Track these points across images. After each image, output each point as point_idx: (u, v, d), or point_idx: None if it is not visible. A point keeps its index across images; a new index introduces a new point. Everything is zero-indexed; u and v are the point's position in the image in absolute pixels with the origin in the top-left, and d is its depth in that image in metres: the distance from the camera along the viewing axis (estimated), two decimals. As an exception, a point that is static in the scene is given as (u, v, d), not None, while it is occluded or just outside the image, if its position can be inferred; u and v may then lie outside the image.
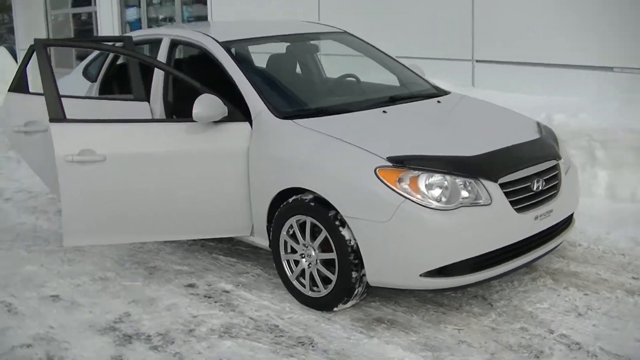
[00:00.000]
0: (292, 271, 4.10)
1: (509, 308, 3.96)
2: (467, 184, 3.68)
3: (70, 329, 3.93)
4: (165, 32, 5.06)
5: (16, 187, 7.02)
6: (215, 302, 4.18)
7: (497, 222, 3.73)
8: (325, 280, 3.93)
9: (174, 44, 4.96)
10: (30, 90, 4.98)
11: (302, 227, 3.99)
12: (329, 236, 3.82)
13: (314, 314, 3.96)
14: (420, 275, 3.63)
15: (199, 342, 3.71)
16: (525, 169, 3.92)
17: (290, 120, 4.14)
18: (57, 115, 4.11)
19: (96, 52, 5.78)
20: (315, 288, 3.99)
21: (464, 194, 3.67)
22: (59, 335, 3.87)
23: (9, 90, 5.00)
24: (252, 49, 5.03)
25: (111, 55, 5.47)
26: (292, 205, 3.99)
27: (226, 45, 4.60)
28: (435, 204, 3.60)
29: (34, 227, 5.76)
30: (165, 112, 4.86)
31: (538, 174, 3.96)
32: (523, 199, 3.84)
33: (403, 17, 7.50)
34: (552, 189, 4.06)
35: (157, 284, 4.48)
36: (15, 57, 13.27)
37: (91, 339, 3.82)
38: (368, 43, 5.38)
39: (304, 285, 4.04)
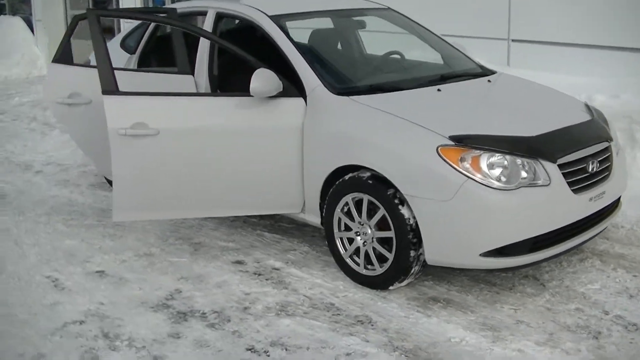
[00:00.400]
0: (345, 249, 4.06)
1: (562, 289, 3.94)
2: (526, 164, 3.66)
3: (121, 306, 3.88)
4: (211, 5, 4.95)
5: (44, 159, 6.93)
6: (267, 279, 4.14)
7: (555, 202, 3.72)
8: (381, 259, 3.90)
9: (219, 17, 4.87)
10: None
11: (357, 204, 3.95)
12: (387, 214, 3.78)
13: (369, 293, 3.93)
14: (480, 255, 3.61)
15: (257, 320, 3.68)
16: (581, 150, 3.90)
17: (346, 97, 4.09)
18: (110, 87, 4.04)
19: (135, 24, 5.67)
20: (369, 266, 3.96)
21: (523, 174, 3.65)
22: (110, 311, 3.82)
23: (52, 61, 4.93)
24: (295, 23, 4.94)
25: (151, 27, 5.38)
26: (348, 183, 3.94)
27: (276, 19, 4.52)
28: (496, 183, 3.58)
29: (68, 200, 5.69)
30: (210, 85, 4.78)
31: (593, 156, 3.95)
32: (579, 180, 3.83)
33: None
34: (604, 170, 4.04)
35: (204, 260, 4.43)
36: (31, 28, 13.08)
37: (144, 315, 3.77)
38: (412, 20, 5.30)
39: (357, 264, 4.00)
